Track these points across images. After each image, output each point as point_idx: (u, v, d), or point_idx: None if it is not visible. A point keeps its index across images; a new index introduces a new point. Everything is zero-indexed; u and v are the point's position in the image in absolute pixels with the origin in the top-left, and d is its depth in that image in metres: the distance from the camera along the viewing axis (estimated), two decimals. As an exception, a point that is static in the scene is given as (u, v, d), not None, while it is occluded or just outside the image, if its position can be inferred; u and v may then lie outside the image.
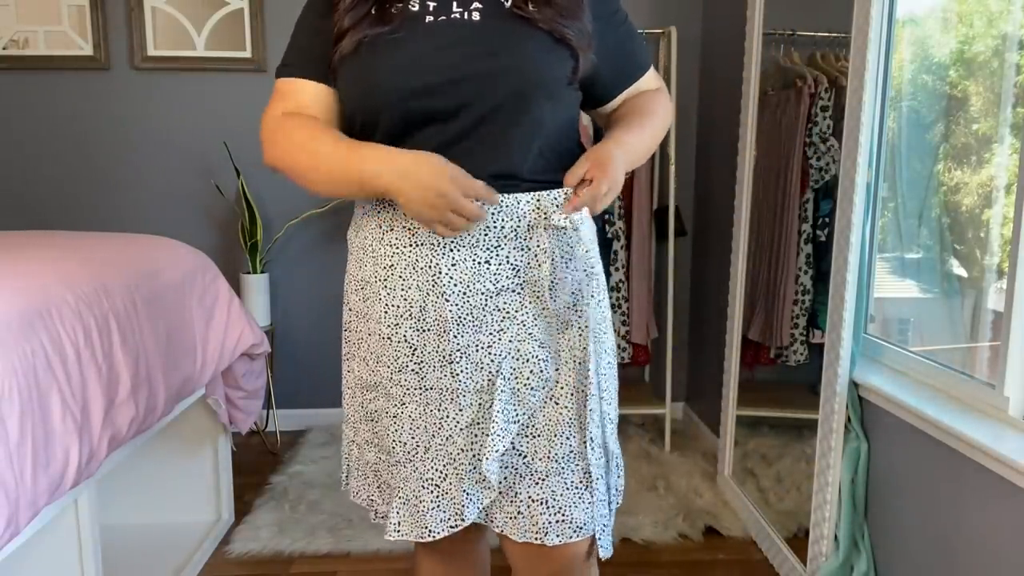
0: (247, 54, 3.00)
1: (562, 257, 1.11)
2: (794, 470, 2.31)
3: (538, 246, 1.09)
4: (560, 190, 1.12)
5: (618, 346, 3.03)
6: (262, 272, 2.98)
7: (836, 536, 1.79)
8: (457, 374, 1.12)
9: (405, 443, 1.16)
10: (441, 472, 1.15)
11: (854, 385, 1.78)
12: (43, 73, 2.98)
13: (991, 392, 1.47)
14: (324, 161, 1.06)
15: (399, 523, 1.18)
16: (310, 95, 1.13)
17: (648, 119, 1.19)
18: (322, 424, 3.16)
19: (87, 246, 1.79)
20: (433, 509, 1.15)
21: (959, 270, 1.84)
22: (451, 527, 1.15)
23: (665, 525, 2.34)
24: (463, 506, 1.14)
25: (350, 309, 1.22)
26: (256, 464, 2.83)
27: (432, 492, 1.15)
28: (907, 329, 2.01)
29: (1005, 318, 1.41)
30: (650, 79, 1.26)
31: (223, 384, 2.17)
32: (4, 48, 2.95)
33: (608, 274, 3.01)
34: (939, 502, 1.53)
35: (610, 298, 3.02)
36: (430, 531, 1.15)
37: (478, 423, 1.13)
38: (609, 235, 2.99)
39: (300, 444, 2.98)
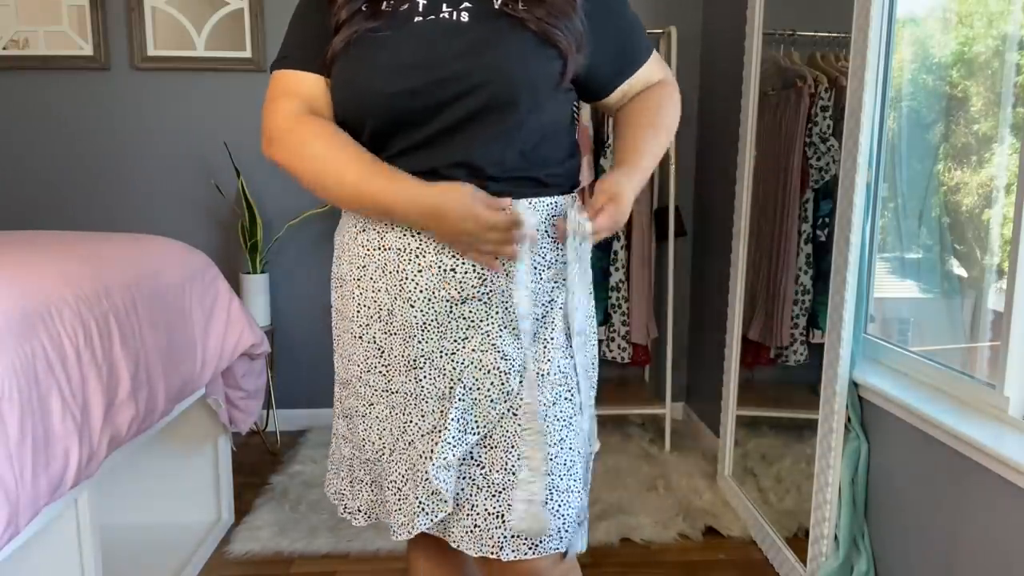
0: (247, 54, 3.00)
1: (533, 267, 1.10)
2: (794, 470, 2.31)
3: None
4: (530, 200, 1.11)
5: (618, 346, 3.03)
6: (262, 272, 2.98)
7: (836, 536, 1.79)
8: (420, 379, 1.12)
9: (373, 443, 1.17)
10: (403, 476, 1.15)
11: (854, 385, 1.78)
12: (43, 73, 2.98)
13: (991, 392, 1.47)
14: (349, 188, 1.06)
15: (369, 514, 1.21)
16: (319, 88, 1.12)
17: (658, 127, 1.17)
18: (322, 424, 3.16)
19: (87, 246, 1.79)
20: (396, 511, 1.16)
21: (959, 270, 1.84)
22: (408, 531, 1.14)
23: (665, 525, 2.33)
24: (415, 515, 1.12)
25: (332, 305, 1.24)
26: (256, 464, 2.83)
27: (395, 495, 1.15)
28: (907, 329, 2.01)
29: (1005, 318, 1.41)
30: (654, 68, 1.23)
31: (223, 384, 2.17)
32: (4, 48, 2.94)
33: (608, 274, 3.01)
34: (939, 502, 1.53)
35: (610, 298, 3.03)
36: (394, 531, 1.16)
37: (438, 430, 1.11)
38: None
39: (300, 444, 2.98)
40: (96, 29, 2.94)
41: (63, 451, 1.34)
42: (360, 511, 1.25)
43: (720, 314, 2.67)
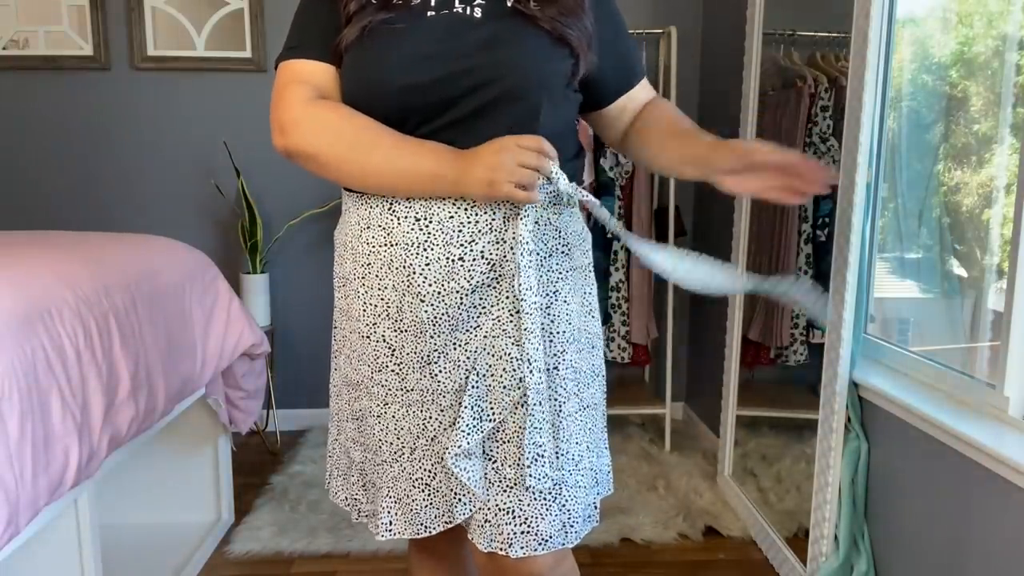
0: (247, 54, 3.01)
1: (537, 253, 1.09)
2: (794, 470, 2.31)
3: (513, 238, 1.06)
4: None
5: (618, 346, 3.03)
6: (262, 272, 2.98)
7: (836, 536, 1.79)
8: (436, 375, 1.11)
9: (391, 443, 1.15)
10: (430, 472, 1.14)
11: (854, 385, 1.78)
12: (43, 73, 2.98)
13: (991, 392, 1.47)
14: (383, 155, 1.04)
15: (391, 522, 1.16)
16: (329, 77, 1.11)
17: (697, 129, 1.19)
18: (322, 424, 3.16)
19: (87, 246, 1.79)
20: (426, 507, 1.15)
21: (959, 270, 1.84)
22: (445, 523, 1.14)
23: (665, 525, 2.34)
24: (452, 504, 1.13)
25: (336, 306, 1.23)
26: (256, 464, 2.83)
27: (423, 491, 1.14)
28: (907, 329, 2.01)
29: (1005, 318, 1.41)
30: (647, 87, 1.27)
31: (223, 384, 2.17)
32: (4, 48, 2.94)
33: (608, 274, 3.01)
34: (939, 502, 1.53)
35: (610, 298, 3.03)
36: (425, 527, 1.15)
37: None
38: (609, 235, 2.99)
39: (300, 444, 2.98)
40: (96, 29, 2.94)
41: (63, 451, 1.34)
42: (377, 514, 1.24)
43: (720, 314, 2.67)
